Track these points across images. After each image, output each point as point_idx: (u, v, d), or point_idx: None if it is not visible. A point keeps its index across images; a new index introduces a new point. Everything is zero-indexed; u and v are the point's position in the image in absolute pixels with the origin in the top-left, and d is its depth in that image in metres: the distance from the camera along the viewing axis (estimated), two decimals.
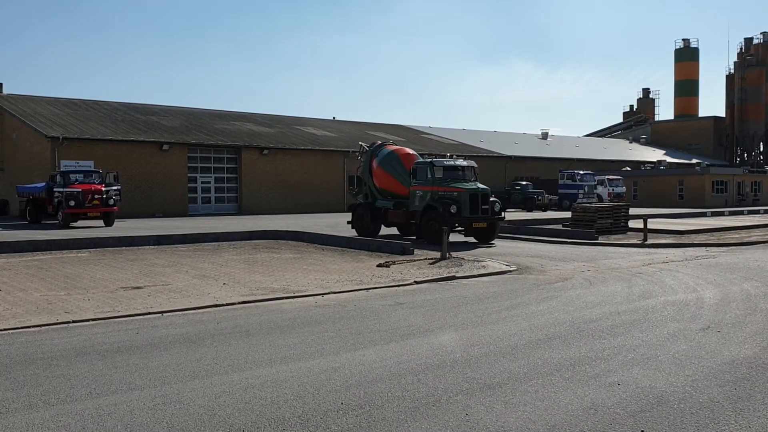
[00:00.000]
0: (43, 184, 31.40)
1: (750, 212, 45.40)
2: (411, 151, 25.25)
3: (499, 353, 7.56)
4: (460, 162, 23.72)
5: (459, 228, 22.20)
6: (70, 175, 30.35)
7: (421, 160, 23.96)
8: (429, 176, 22.40)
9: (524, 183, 50.91)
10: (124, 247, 20.53)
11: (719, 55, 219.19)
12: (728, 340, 8.20)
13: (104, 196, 29.40)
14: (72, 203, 28.67)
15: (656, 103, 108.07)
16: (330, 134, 53.82)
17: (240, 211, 43.68)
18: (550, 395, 5.99)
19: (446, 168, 22.74)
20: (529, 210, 46.94)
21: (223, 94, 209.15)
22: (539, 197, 48.26)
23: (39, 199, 31.41)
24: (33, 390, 6.17)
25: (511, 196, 48.96)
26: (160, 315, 9.92)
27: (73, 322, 9.34)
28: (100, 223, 29.68)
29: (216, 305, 10.64)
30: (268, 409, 5.64)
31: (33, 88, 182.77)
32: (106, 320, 9.51)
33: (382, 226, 24.84)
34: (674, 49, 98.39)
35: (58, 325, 9.14)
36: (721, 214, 42.33)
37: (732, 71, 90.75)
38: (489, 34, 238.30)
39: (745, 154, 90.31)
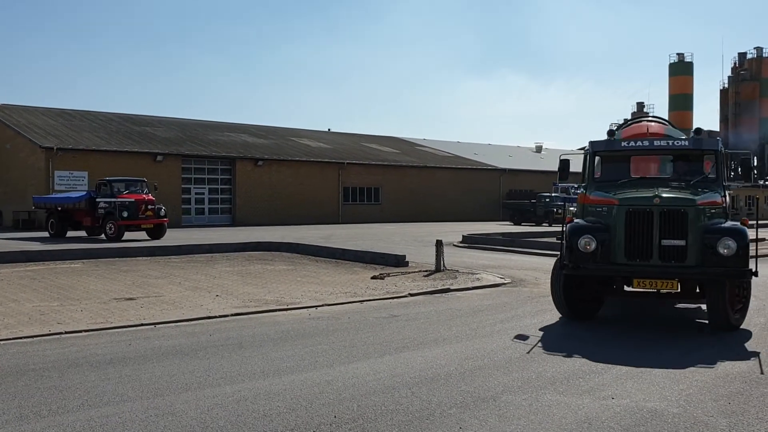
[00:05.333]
0: (83, 193, 29.18)
1: None
2: (654, 126, 11.76)
3: (493, 366, 7.54)
4: (663, 141, 10.88)
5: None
6: (114, 185, 27.75)
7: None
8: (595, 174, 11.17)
9: (553, 195, 48.13)
10: (117, 258, 20.46)
11: (713, 69, 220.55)
12: (723, 354, 8.20)
13: (156, 207, 27.32)
14: (125, 214, 26.19)
15: None
16: (325, 146, 53.87)
17: (234, 223, 43.59)
18: (544, 409, 5.98)
19: (618, 155, 11.23)
20: (549, 224, 43.68)
21: (217, 105, 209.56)
22: (558, 210, 44.73)
23: (69, 210, 28.93)
24: (24, 401, 6.13)
25: (536, 209, 47.88)
26: (152, 326, 9.87)
27: (66, 333, 9.29)
28: (143, 235, 27.38)
29: (209, 317, 10.60)
30: (260, 421, 5.61)
31: (28, 99, 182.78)
32: (99, 331, 9.46)
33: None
34: (669, 63, 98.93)
35: (51, 336, 9.09)
36: None
37: (726, 85, 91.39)
38: (481, 47, 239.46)
39: (740, 169, 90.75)
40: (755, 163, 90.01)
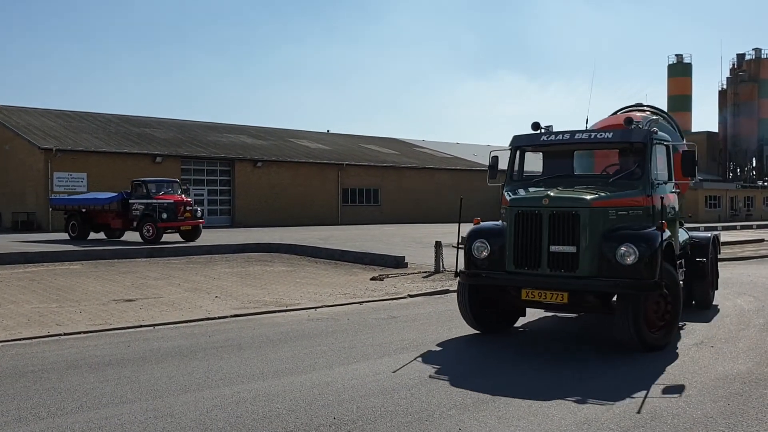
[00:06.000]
0: (115, 194, 27.87)
1: (743, 227, 45.54)
2: (635, 115, 10.96)
3: (492, 367, 7.54)
4: (585, 134, 9.71)
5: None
6: (148, 185, 26.91)
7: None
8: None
9: None
10: (116, 260, 20.45)
11: (712, 69, 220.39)
12: (721, 355, 8.19)
13: (193, 208, 26.78)
14: (164, 216, 25.46)
15: None
16: (324, 147, 53.86)
17: (233, 224, 43.57)
18: (543, 410, 5.97)
19: (544, 149, 10.06)
20: None
21: (216, 106, 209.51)
22: None
23: (95, 212, 27.80)
24: (23, 403, 6.12)
25: None
26: (151, 328, 9.87)
27: (65, 334, 9.28)
28: (177, 237, 26.81)
29: (208, 318, 10.60)
30: (259, 423, 5.60)
31: (27, 100, 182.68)
32: (98, 333, 9.45)
33: None
34: (667, 64, 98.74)
35: (50, 338, 9.08)
36: (714, 229, 42.38)
37: (725, 87, 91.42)
38: (480, 47, 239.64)
39: (738, 170, 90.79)
40: (754, 164, 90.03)
